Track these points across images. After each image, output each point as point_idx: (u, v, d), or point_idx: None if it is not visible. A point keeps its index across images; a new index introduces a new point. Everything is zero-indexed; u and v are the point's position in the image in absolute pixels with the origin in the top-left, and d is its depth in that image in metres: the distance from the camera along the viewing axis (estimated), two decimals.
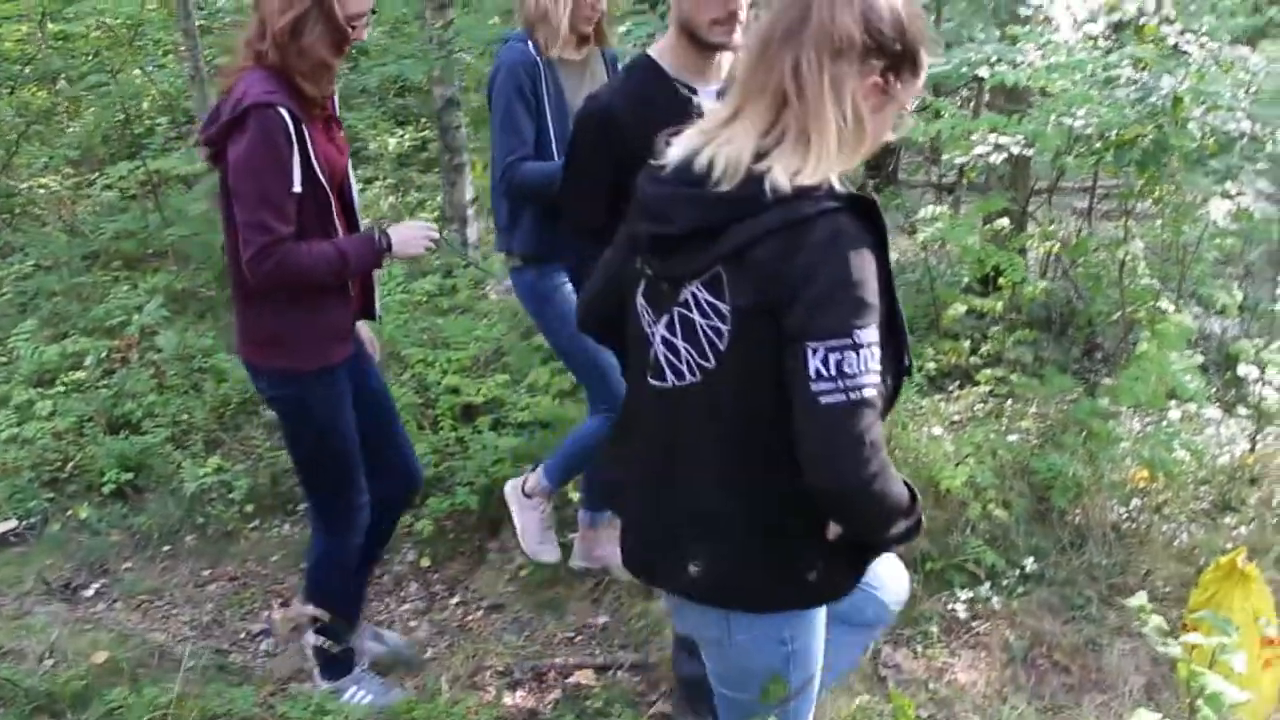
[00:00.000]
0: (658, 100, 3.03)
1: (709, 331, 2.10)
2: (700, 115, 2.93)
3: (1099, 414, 4.93)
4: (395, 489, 3.85)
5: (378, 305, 3.73)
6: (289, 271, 3.20)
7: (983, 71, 5.25)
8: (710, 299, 2.08)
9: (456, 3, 7.53)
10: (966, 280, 6.29)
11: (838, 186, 2.06)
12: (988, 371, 5.53)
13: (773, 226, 1.99)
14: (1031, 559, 4.54)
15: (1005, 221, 6.00)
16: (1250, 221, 5.17)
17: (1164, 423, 4.97)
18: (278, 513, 5.31)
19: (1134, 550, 4.60)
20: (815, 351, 1.97)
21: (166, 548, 5.17)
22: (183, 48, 8.17)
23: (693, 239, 2.08)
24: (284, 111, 3.13)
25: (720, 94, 3.01)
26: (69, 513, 5.39)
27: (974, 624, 4.30)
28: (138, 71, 9.83)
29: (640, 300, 2.27)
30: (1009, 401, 5.47)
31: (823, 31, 2.02)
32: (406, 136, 10.11)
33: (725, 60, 3.11)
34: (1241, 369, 5.01)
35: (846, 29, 2.02)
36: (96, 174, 9.29)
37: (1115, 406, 5.01)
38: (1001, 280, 5.64)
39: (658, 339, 2.20)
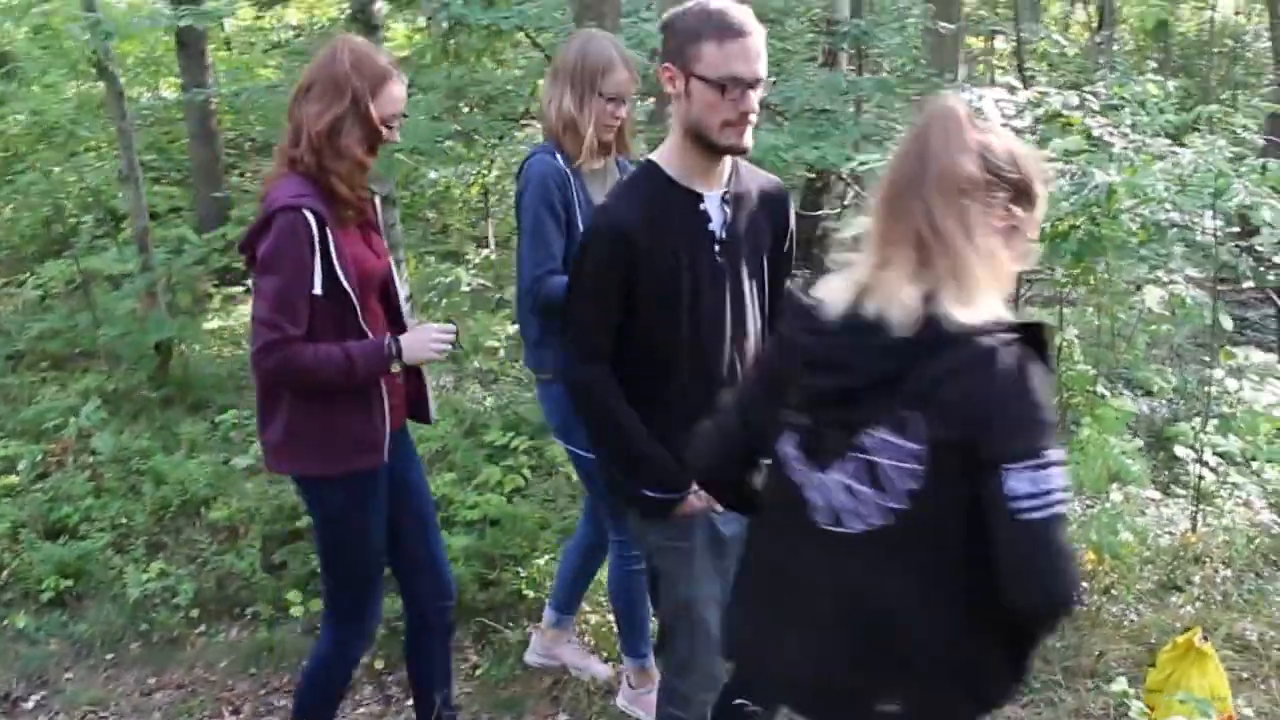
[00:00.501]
0: (667, 209, 2.99)
1: (896, 473, 2.14)
2: (708, 221, 2.99)
3: None
4: (429, 599, 3.81)
5: (432, 409, 3.74)
6: (292, 370, 3.24)
7: None
8: (899, 441, 2.12)
9: None
10: None
11: (1007, 317, 2.15)
12: None
13: (959, 364, 2.07)
14: None
15: None
16: (1182, 307, 5.34)
17: (1107, 505, 5.08)
18: (225, 617, 5.21)
19: (1086, 632, 4.66)
20: (1012, 473, 2.05)
21: (109, 656, 5.03)
22: (107, 144, 8.15)
23: (875, 386, 2.15)
24: (309, 214, 3.20)
25: (724, 199, 3.03)
26: (5, 622, 5.24)
27: None
28: (57, 169, 9.77)
29: (790, 450, 2.29)
30: None
31: (945, 176, 2.13)
32: None
33: (727, 164, 3.05)
34: (1180, 450, 5.15)
35: (967, 170, 2.13)
36: (28, 274, 9.20)
37: None
38: None
39: (834, 487, 2.22)
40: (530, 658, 4.60)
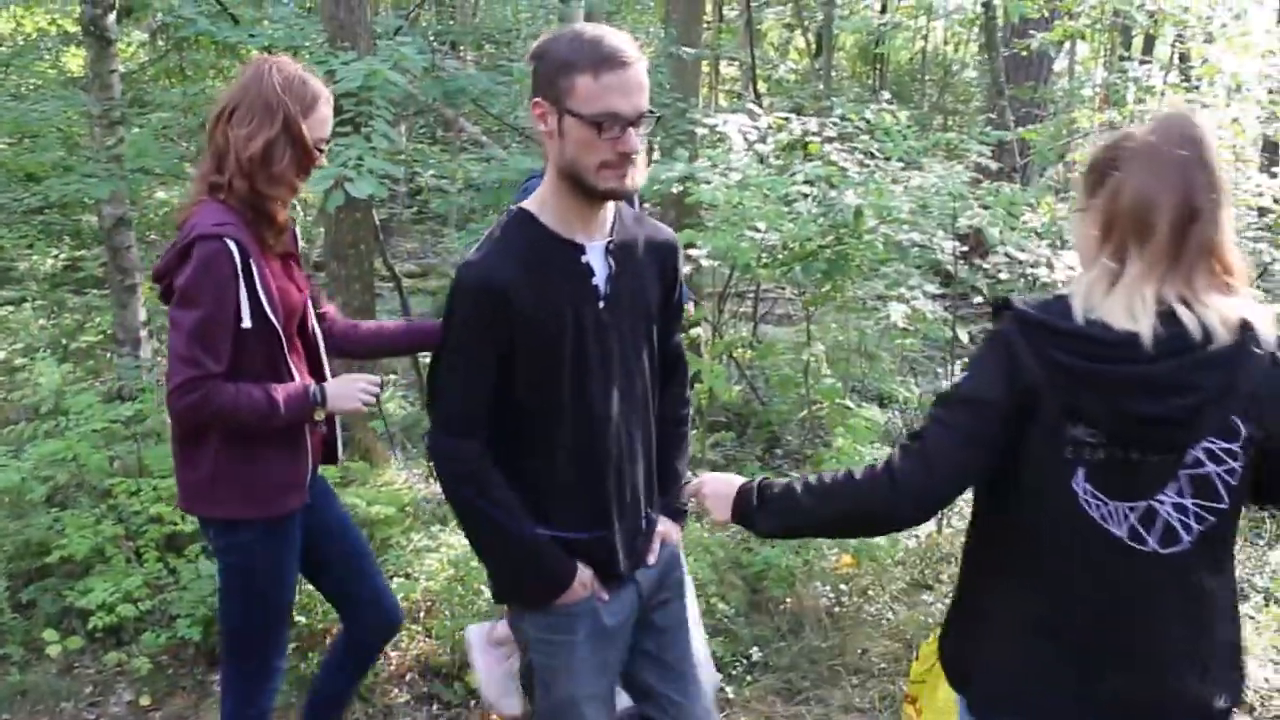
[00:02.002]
0: (545, 262, 2.66)
1: (1223, 476, 2.25)
2: (592, 275, 2.69)
3: None
4: (372, 630, 3.68)
5: (340, 450, 3.61)
6: (211, 409, 3.06)
7: (676, 188, 5.57)
8: (1226, 445, 2.23)
9: (127, 121, 7.34)
10: None
11: None
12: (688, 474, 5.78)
13: (1265, 363, 2.21)
14: (756, 648, 4.78)
15: (697, 331, 6.32)
16: (924, 322, 5.67)
17: None
18: None
19: (848, 631, 4.91)
20: None
21: None
22: None
23: (1214, 399, 2.20)
24: (231, 243, 3.03)
25: (609, 250, 2.73)
26: None
27: None
28: None
29: (1083, 485, 2.27)
30: None
31: (1226, 194, 2.24)
32: (61, 256, 9.66)
33: (610, 210, 2.75)
34: None
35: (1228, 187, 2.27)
36: None
37: None
38: (698, 386, 5.94)
39: (1163, 509, 2.25)
40: None
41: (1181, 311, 2.18)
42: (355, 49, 5.93)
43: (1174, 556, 2.25)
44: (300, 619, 4.86)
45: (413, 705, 4.52)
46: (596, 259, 2.71)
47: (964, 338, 5.71)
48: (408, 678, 4.63)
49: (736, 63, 17.12)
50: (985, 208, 5.65)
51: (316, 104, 3.21)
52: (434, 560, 5.16)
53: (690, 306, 4.39)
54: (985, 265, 5.98)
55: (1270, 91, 7.03)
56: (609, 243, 2.73)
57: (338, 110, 5.96)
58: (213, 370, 3.03)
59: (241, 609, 3.38)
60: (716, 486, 2.63)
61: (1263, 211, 7.14)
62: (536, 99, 2.58)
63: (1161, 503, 2.24)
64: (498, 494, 2.70)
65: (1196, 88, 7.68)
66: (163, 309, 8.11)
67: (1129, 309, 2.19)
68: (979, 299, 6.17)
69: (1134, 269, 2.21)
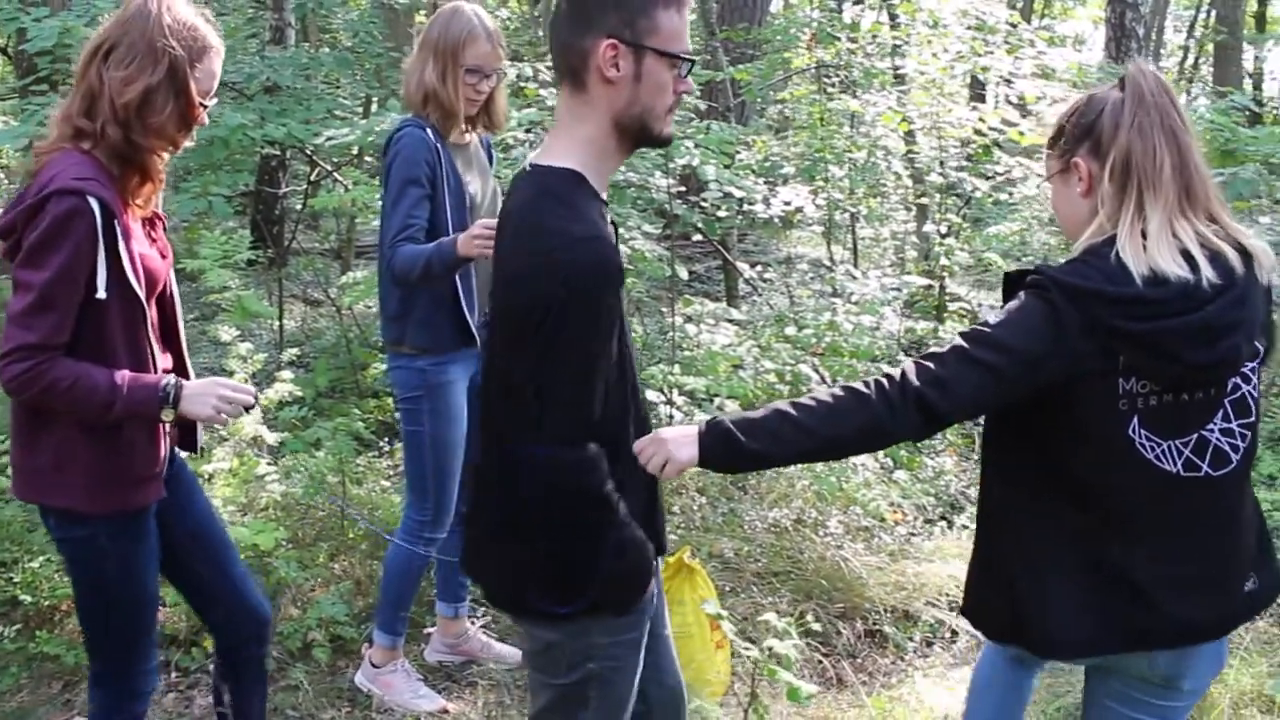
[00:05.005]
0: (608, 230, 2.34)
1: (1251, 392, 2.44)
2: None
3: None
4: (239, 628, 3.34)
5: (200, 436, 3.24)
6: (43, 386, 2.71)
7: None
8: (1252, 364, 2.43)
9: None
10: (379, 340, 6.55)
11: None
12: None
13: (1261, 283, 2.40)
14: None
15: None
16: (644, 261, 5.79)
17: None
18: None
19: None
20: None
21: None
22: None
23: (1252, 331, 2.35)
24: (93, 201, 2.69)
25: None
26: None
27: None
28: None
29: (1138, 432, 2.38)
30: None
31: (1191, 128, 2.41)
32: None
33: None
34: (650, 394, 5.58)
35: None
36: None
37: None
38: None
39: (1213, 438, 2.39)
40: (431, 655, 4.53)
41: (1219, 247, 2.34)
42: (48, 4, 5.71)
43: (1224, 477, 2.42)
44: (26, 598, 4.69)
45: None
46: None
47: (684, 275, 5.87)
48: None
49: None
50: (698, 146, 5.82)
51: (207, 53, 2.89)
52: None
53: None
54: (703, 204, 6.15)
55: (969, 29, 7.36)
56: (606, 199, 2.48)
57: (31, 69, 5.73)
58: (50, 341, 2.71)
59: (93, 609, 3.08)
60: (675, 432, 2.42)
61: (964, 143, 7.52)
62: (612, 40, 2.23)
63: (1210, 431, 2.40)
64: (615, 497, 2.33)
65: (902, 25, 8.00)
66: None
67: (1176, 256, 2.32)
68: (698, 237, 6.33)
69: (1156, 217, 2.34)
